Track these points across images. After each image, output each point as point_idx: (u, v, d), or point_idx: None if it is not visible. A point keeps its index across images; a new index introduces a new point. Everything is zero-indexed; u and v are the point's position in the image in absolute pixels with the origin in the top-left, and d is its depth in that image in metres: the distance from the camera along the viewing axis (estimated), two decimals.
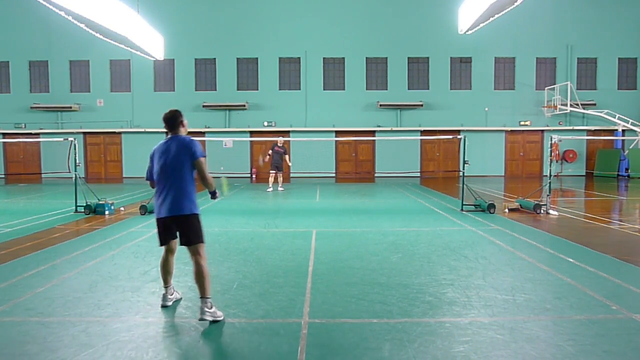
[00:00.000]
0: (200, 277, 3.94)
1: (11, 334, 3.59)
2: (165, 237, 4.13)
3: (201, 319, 3.78)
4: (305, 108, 22.92)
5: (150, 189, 4.42)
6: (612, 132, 21.88)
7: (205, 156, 4.20)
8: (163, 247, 4.22)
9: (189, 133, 4.48)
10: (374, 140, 22.59)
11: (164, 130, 4.23)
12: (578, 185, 17.54)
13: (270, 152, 15.26)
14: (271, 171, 15.38)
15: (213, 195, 4.35)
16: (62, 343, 3.42)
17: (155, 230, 4.15)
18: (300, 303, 4.26)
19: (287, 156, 15.58)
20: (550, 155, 10.48)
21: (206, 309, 3.81)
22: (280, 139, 15.35)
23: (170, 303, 4.22)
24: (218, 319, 3.86)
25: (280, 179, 15.59)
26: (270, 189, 15.29)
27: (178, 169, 4.02)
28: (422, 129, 22.25)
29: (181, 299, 4.42)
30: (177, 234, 4.07)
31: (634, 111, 22.30)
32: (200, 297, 3.88)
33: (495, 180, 20.10)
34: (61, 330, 3.65)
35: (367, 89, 22.93)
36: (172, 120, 4.18)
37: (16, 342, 3.45)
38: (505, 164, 23.31)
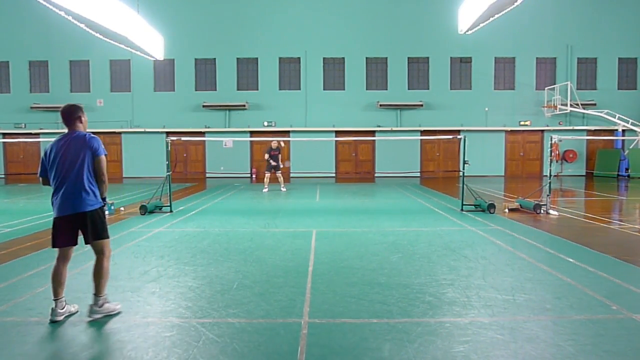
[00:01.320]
0: (98, 274, 3.92)
1: (11, 334, 3.59)
2: (60, 239, 3.88)
3: (90, 319, 3.82)
4: (305, 108, 22.92)
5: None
6: (612, 132, 21.88)
7: (106, 154, 4.05)
8: (58, 253, 3.96)
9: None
10: (374, 140, 22.60)
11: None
12: (578, 185, 17.54)
13: (267, 156, 15.21)
14: (266, 172, 15.39)
15: (103, 200, 4.03)
16: (62, 343, 3.41)
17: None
18: (300, 303, 4.26)
19: (280, 155, 15.57)
20: (550, 155, 10.48)
21: (96, 308, 3.87)
22: (274, 143, 15.27)
23: (61, 318, 3.85)
24: (112, 312, 3.93)
25: (281, 179, 15.58)
26: (267, 189, 15.29)
27: (78, 166, 3.82)
28: (422, 129, 22.26)
29: (76, 312, 4.04)
30: (76, 238, 3.91)
31: (634, 111, 22.30)
32: (94, 295, 3.90)
33: (495, 180, 20.10)
34: (61, 330, 3.65)
35: (367, 89, 22.93)
36: (69, 114, 3.96)
37: (16, 342, 3.45)
38: (505, 164, 23.31)
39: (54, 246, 3.92)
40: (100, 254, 3.96)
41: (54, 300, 3.89)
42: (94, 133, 4.09)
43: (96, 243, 3.94)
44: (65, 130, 4.01)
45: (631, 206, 12.07)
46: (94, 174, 3.93)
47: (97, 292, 3.91)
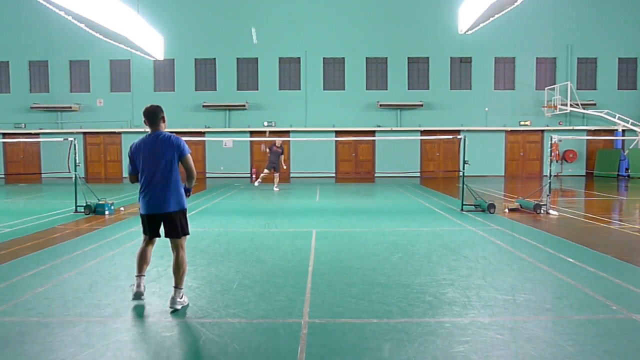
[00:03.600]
0: (179, 268, 4.12)
1: (11, 334, 3.59)
2: (150, 231, 4.20)
3: (173, 309, 4.03)
4: (305, 108, 22.92)
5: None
6: (612, 132, 21.88)
7: (191, 152, 4.25)
8: (144, 237, 4.30)
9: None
10: (374, 140, 22.59)
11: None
12: (578, 185, 17.54)
13: (268, 151, 15.34)
14: (266, 170, 15.48)
15: (188, 192, 4.28)
16: (62, 343, 3.41)
17: (139, 224, 4.27)
18: (300, 303, 4.26)
19: (283, 157, 15.63)
20: (550, 155, 10.48)
21: (178, 299, 4.08)
22: (278, 140, 15.42)
23: (144, 291, 4.28)
24: (185, 304, 4.17)
25: (276, 179, 15.64)
26: (258, 183, 15.69)
27: (165, 166, 4.04)
28: (422, 129, 22.25)
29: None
30: (162, 229, 4.18)
31: (634, 111, 22.31)
32: (175, 287, 4.10)
33: (495, 180, 20.10)
34: (61, 330, 3.65)
35: (367, 89, 22.93)
36: (154, 115, 4.19)
37: (16, 342, 3.45)
38: (505, 164, 23.31)
39: (144, 233, 4.26)
40: (180, 249, 4.17)
41: (137, 276, 4.25)
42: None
43: (177, 240, 4.16)
44: (149, 130, 4.22)
45: (631, 206, 12.07)
46: (185, 171, 4.18)
47: (178, 285, 4.11)
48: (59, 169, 17.44)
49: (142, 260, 4.29)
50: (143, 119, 4.26)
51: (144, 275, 4.30)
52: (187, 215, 4.30)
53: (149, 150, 4.08)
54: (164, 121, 4.26)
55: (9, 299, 4.39)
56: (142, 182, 4.10)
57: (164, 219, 4.11)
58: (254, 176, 22.36)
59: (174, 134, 4.27)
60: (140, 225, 4.30)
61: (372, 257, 6.06)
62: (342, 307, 4.15)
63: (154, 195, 4.05)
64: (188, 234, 4.24)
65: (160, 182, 4.05)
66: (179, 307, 4.07)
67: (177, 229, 4.12)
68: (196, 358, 3.21)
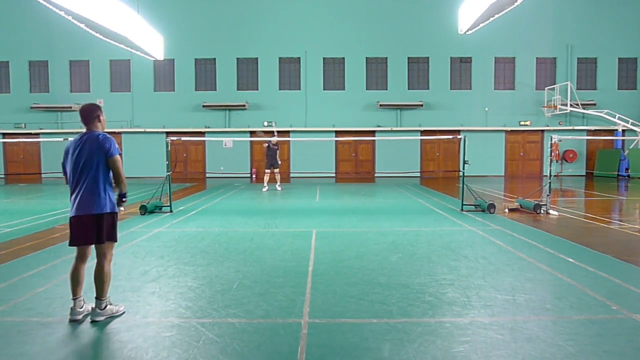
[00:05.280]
0: (100, 277, 3.90)
1: (11, 334, 3.59)
2: (77, 238, 3.87)
3: (93, 321, 3.81)
4: (305, 108, 22.92)
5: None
6: (612, 132, 21.88)
7: (121, 154, 4.05)
8: (75, 252, 3.96)
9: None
10: (374, 140, 22.59)
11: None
12: (578, 185, 17.54)
13: (265, 145, 15.47)
14: (266, 170, 15.51)
15: (121, 197, 4.01)
16: (62, 343, 3.42)
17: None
18: (300, 303, 4.26)
19: (278, 152, 15.70)
20: (550, 155, 10.48)
21: (98, 310, 3.86)
22: (274, 138, 15.46)
23: (80, 317, 3.87)
24: (116, 314, 3.95)
25: (278, 178, 15.67)
26: (266, 189, 15.39)
27: (92, 167, 3.85)
28: (422, 129, 22.26)
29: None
30: (92, 237, 3.87)
31: (634, 111, 22.30)
32: (96, 298, 3.88)
33: (495, 180, 20.10)
34: (61, 330, 3.65)
35: (367, 89, 22.93)
36: (86, 113, 4.02)
37: (16, 342, 3.45)
38: (505, 164, 23.31)
39: (70, 245, 3.92)
40: (102, 256, 3.93)
41: (73, 299, 3.89)
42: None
43: (101, 246, 3.92)
44: (84, 130, 4.04)
45: (631, 206, 12.07)
46: (113, 175, 3.94)
47: (99, 295, 3.90)
48: (59, 169, 17.45)
49: (73, 279, 3.91)
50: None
51: (79, 297, 3.92)
52: (116, 222, 4.01)
53: (78, 151, 3.90)
54: (99, 120, 4.07)
55: (9, 299, 4.40)
56: (72, 184, 3.92)
57: (92, 222, 3.83)
58: (254, 176, 22.39)
59: (105, 134, 4.06)
60: (70, 236, 3.95)
61: (372, 257, 6.06)
62: (342, 307, 4.15)
63: (83, 197, 3.83)
64: (113, 240, 3.98)
65: (90, 184, 3.83)
66: (100, 319, 3.84)
67: (101, 233, 3.86)
68: (196, 358, 3.21)
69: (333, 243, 6.97)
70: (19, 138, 21.94)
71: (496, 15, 10.38)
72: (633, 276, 5.10)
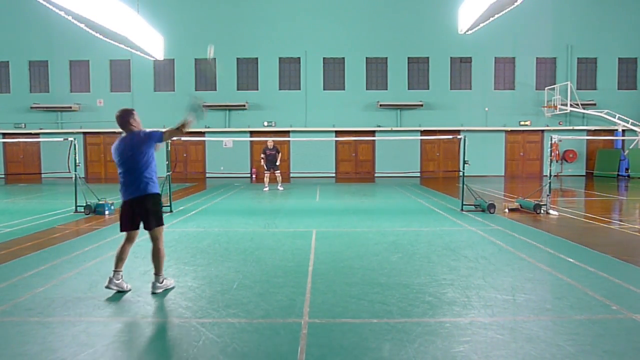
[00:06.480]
0: (157, 257, 4.56)
1: (11, 334, 3.59)
2: (127, 224, 4.53)
3: (153, 293, 4.49)
4: (305, 108, 22.92)
5: None
6: (612, 132, 21.88)
7: (162, 132, 4.53)
8: (125, 235, 4.61)
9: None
10: (374, 140, 22.59)
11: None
12: (578, 185, 17.54)
13: (263, 156, 15.43)
14: (266, 171, 15.55)
15: (197, 108, 4.54)
16: (62, 343, 3.42)
17: (120, 217, 4.63)
18: (300, 303, 4.26)
19: (279, 155, 15.72)
20: (550, 155, 10.48)
21: (158, 284, 4.54)
22: (270, 142, 15.51)
23: (114, 288, 4.48)
24: (170, 287, 4.65)
25: (279, 178, 15.69)
26: (267, 189, 15.44)
27: (136, 158, 4.44)
28: (422, 129, 22.26)
29: (128, 290, 4.59)
30: (140, 222, 4.52)
31: (634, 111, 22.30)
32: (155, 274, 4.57)
33: (495, 180, 20.10)
34: (61, 330, 3.65)
35: (367, 89, 22.93)
36: (120, 120, 4.58)
37: (16, 342, 3.45)
38: (505, 164, 23.31)
39: (121, 230, 4.59)
40: (156, 240, 4.56)
41: (114, 271, 4.52)
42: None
43: (153, 231, 4.54)
44: (123, 134, 4.61)
45: (631, 206, 12.07)
46: (175, 133, 4.50)
47: (157, 272, 4.56)
48: (59, 169, 17.45)
49: (118, 256, 4.58)
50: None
51: (120, 271, 4.56)
52: (161, 204, 4.71)
53: (121, 149, 4.52)
54: (130, 123, 4.58)
55: (9, 299, 4.40)
56: (121, 176, 4.54)
57: (139, 204, 4.46)
58: (254, 176, 22.39)
59: (144, 130, 4.58)
60: (119, 223, 4.64)
61: (372, 257, 6.06)
62: (342, 307, 4.15)
63: (129, 185, 4.47)
64: (162, 224, 4.61)
65: (134, 174, 4.45)
66: (158, 290, 4.52)
67: (150, 217, 4.49)
68: (196, 358, 3.21)
69: (333, 243, 6.97)
70: (19, 138, 21.94)
71: (496, 15, 10.39)
72: (633, 276, 5.10)
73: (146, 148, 4.46)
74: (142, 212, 4.47)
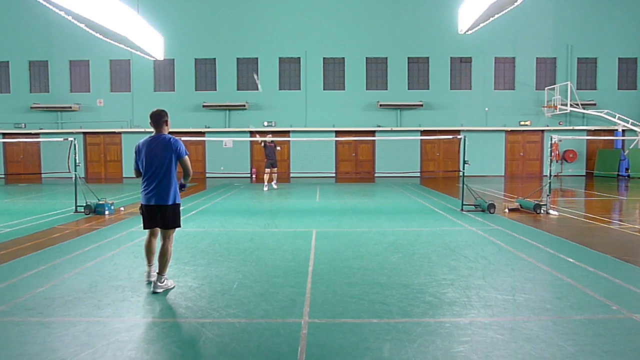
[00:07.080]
0: (164, 256, 4.62)
1: (11, 334, 3.59)
2: (149, 223, 4.72)
3: (154, 292, 4.54)
4: (305, 108, 22.92)
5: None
6: (612, 132, 21.88)
7: (188, 154, 4.76)
8: (147, 231, 4.83)
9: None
10: (374, 140, 22.59)
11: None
12: (578, 185, 17.54)
13: (263, 145, 15.60)
14: (266, 169, 15.64)
15: (182, 187, 4.85)
16: (62, 343, 3.42)
17: (140, 224, 4.79)
18: (300, 303, 4.26)
19: (277, 149, 15.88)
20: (550, 155, 10.48)
21: (159, 283, 4.58)
22: (268, 136, 15.75)
23: (161, 290, 4.60)
24: (170, 287, 4.69)
25: (275, 177, 15.86)
26: (267, 188, 15.57)
27: (165, 165, 4.57)
28: (422, 129, 22.25)
29: (172, 288, 4.74)
30: (159, 219, 4.68)
31: (634, 111, 22.30)
32: (158, 273, 4.61)
33: (495, 180, 20.10)
34: (61, 330, 3.65)
35: (367, 89, 22.93)
36: (158, 118, 4.70)
37: (16, 342, 3.45)
38: (505, 164, 23.31)
39: (145, 228, 4.78)
40: (167, 239, 4.68)
41: (148, 266, 4.86)
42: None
43: (167, 230, 4.69)
44: (153, 132, 4.73)
45: (631, 206, 12.06)
46: (182, 170, 4.75)
47: (161, 271, 4.60)
48: (59, 169, 17.46)
49: (147, 250, 4.84)
50: (149, 120, 4.73)
51: (153, 265, 4.79)
52: (180, 210, 4.79)
53: (152, 150, 4.60)
54: (167, 124, 4.75)
55: (9, 299, 4.40)
56: (145, 178, 4.63)
57: (161, 211, 4.62)
58: (254, 176, 22.39)
59: (173, 135, 4.74)
60: (142, 221, 4.79)
61: (372, 257, 6.06)
62: (342, 307, 4.15)
63: (154, 190, 4.57)
64: (177, 226, 4.73)
65: (162, 180, 4.58)
66: (159, 290, 4.55)
67: (169, 221, 4.64)
68: (196, 358, 3.21)
69: (333, 243, 6.97)
70: (19, 138, 21.93)
71: (496, 15, 10.39)
72: (633, 276, 5.10)
73: (175, 156, 4.61)
74: (164, 215, 4.64)
